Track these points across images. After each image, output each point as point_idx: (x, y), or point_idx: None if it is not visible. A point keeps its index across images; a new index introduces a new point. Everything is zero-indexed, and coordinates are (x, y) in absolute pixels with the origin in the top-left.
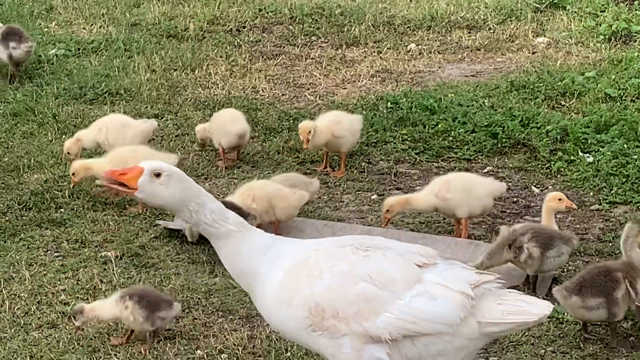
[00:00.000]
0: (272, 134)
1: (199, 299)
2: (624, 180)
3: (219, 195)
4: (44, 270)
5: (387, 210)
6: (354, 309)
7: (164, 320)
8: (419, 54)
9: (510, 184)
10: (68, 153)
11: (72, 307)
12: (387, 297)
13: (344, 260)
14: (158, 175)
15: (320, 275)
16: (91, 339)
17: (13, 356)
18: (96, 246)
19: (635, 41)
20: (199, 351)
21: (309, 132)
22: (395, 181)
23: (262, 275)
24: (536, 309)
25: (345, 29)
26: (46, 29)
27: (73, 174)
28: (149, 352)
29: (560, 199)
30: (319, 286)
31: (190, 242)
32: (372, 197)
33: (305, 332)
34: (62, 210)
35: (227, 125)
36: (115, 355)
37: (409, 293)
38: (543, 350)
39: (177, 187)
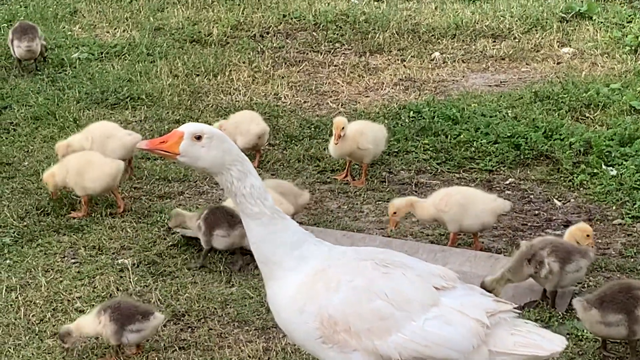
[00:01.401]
0: (293, 141)
1: (215, 309)
2: None
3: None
4: (60, 276)
5: (394, 213)
6: (367, 325)
7: (139, 332)
8: (443, 63)
9: (532, 196)
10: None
11: (59, 331)
12: (402, 317)
13: (363, 276)
14: (199, 138)
15: (338, 287)
16: (105, 348)
17: None
18: (113, 253)
19: None
20: None
21: (342, 128)
22: (416, 191)
23: (284, 270)
24: (549, 344)
25: (369, 36)
26: (69, 32)
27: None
28: None
29: (588, 235)
30: (334, 298)
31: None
32: None
33: (314, 342)
34: None
35: (245, 125)
36: None
37: (424, 315)
38: None
39: (219, 149)
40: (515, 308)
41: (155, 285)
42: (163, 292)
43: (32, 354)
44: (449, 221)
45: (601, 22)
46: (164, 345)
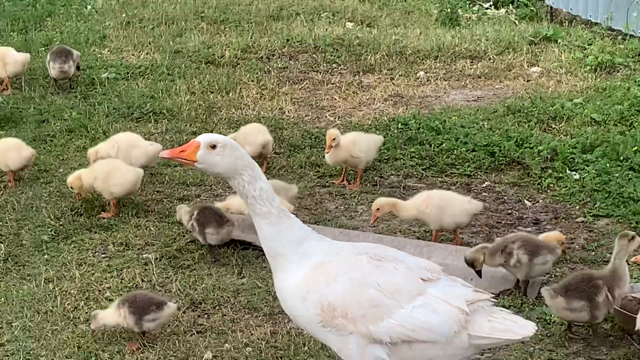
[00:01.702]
0: (295, 150)
1: (228, 297)
2: (606, 195)
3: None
4: (92, 269)
5: (377, 209)
6: (362, 312)
7: (155, 320)
8: (427, 81)
9: (505, 197)
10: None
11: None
12: (392, 305)
13: (359, 268)
14: (214, 147)
15: (336, 279)
16: (132, 333)
17: (62, 346)
18: (138, 249)
19: (618, 72)
20: (226, 344)
21: (333, 139)
22: (404, 194)
23: (291, 263)
24: (521, 329)
25: (362, 58)
26: (99, 55)
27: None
28: (181, 344)
29: (562, 243)
30: (333, 288)
31: (218, 247)
32: None
33: (315, 326)
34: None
35: (252, 136)
36: (151, 347)
37: (412, 304)
38: (532, 348)
39: (232, 157)
40: (492, 296)
41: (175, 277)
42: (182, 283)
43: (67, 337)
44: (431, 221)
45: (565, 45)
46: (183, 329)
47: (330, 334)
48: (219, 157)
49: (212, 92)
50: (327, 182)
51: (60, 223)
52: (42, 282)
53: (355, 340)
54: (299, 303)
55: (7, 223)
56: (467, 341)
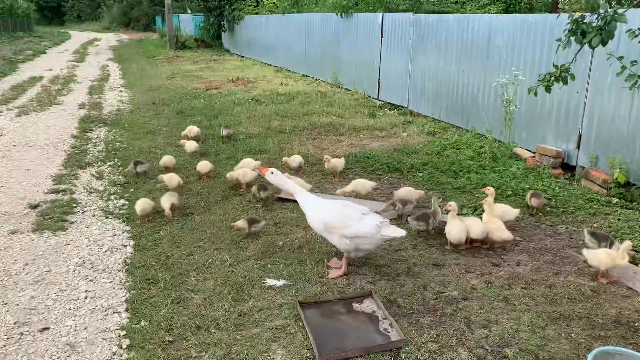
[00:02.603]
0: (313, 165)
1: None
2: (435, 184)
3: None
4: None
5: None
6: (338, 225)
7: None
8: (363, 138)
9: (394, 182)
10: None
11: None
12: (350, 223)
13: (335, 209)
14: (272, 172)
15: (326, 213)
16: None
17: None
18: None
19: (435, 135)
20: (287, 239)
21: (327, 158)
22: (353, 178)
23: (310, 210)
24: (399, 233)
25: (338, 130)
26: (238, 128)
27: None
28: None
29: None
30: (326, 216)
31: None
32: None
33: (322, 232)
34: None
35: (297, 159)
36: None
37: (359, 222)
38: (410, 244)
39: (273, 179)
40: (389, 221)
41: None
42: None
43: None
44: (358, 191)
45: (414, 125)
46: (268, 232)
47: (328, 235)
48: (272, 178)
49: (282, 144)
50: (325, 179)
51: None
52: None
53: (337, 236)
54: (316, 224)
55: None
56: (380, 237)
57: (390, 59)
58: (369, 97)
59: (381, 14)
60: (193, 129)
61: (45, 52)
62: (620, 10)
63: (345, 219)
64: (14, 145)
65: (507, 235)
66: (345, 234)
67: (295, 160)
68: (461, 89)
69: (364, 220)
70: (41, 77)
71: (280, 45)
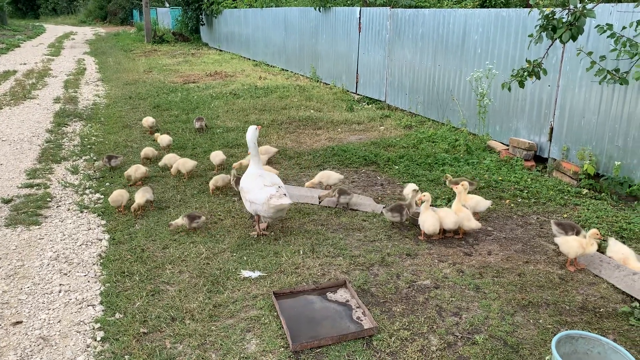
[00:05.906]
0: (288, 157)
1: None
2: (409, 176)
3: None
4: None
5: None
6: (245, 190)
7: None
8: (341, 133)
9: (370, 175)
10: None
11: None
12: (253, 191)
13: (250, 178)
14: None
15: (244, 178)
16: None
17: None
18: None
19: (412, 128)
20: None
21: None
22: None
23: (244, 175)
24: (286, 201)
25: (316, 124)
26: (216, 121)
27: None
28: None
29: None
30: (242, 182)
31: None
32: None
33: (241, 193)
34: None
35: (270, 149)
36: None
37: (258, 191)
38: (385, 235)
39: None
40: (287, 199)
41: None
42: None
43: None
44: (324, 181)
45: (391, 119)
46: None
47: (242, 197)
48: (250, 131)
49: (259, 138)
50: (303, 172)
51: None
52: None
53: (247, 201)
54: (240, 186)
55: None
56: (269, 205)
57: (368, 54)
58: (348, 91)
59: (359, 8)
60: (149, 119)
61: (19, 46)
62: (589, 6)
63: (251, 186)
64: None
65: (475, 224)
66: (247, 198)
67: (270, 150)
68: (437, 83)
69: (262, 190)
70: (15, 71)
71: (259, 39)
